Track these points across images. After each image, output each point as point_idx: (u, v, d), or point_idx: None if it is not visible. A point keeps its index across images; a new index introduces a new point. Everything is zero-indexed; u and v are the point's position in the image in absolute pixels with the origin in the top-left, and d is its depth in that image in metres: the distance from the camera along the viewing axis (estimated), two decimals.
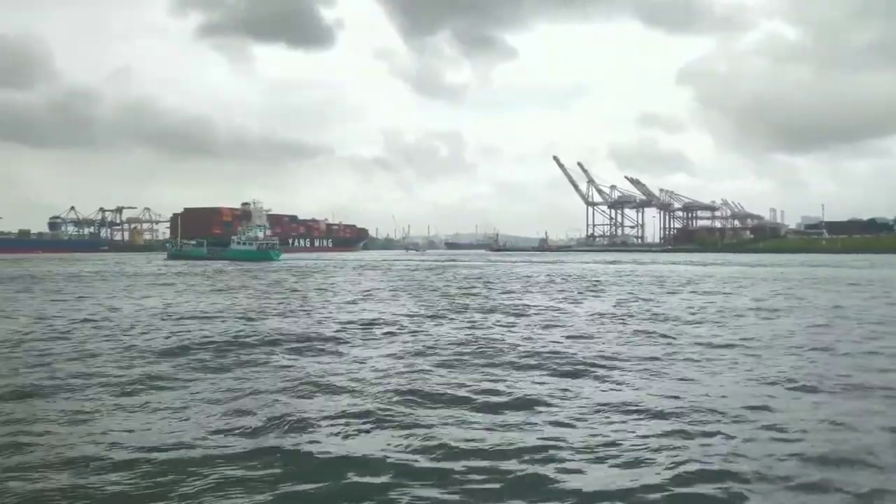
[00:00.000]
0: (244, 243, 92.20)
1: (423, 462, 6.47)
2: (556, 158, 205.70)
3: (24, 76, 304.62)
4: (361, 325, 17.14)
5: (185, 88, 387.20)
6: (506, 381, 9.95)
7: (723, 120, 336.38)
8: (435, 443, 6.98)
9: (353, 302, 25.01)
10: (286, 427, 7.55)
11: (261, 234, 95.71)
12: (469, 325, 17.35)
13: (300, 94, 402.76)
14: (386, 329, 16.33)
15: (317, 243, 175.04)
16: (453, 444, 6.92)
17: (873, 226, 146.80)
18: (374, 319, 18.43)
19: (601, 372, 10.72)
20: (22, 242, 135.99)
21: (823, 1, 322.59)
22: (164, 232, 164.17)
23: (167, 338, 14.66)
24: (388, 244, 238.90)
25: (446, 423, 7.72)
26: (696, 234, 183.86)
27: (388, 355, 12.36)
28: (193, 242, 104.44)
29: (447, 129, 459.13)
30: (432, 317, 19.33)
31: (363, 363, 11.57)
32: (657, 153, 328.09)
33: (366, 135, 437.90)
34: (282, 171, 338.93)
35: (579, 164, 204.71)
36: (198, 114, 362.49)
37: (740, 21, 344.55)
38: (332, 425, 7.64)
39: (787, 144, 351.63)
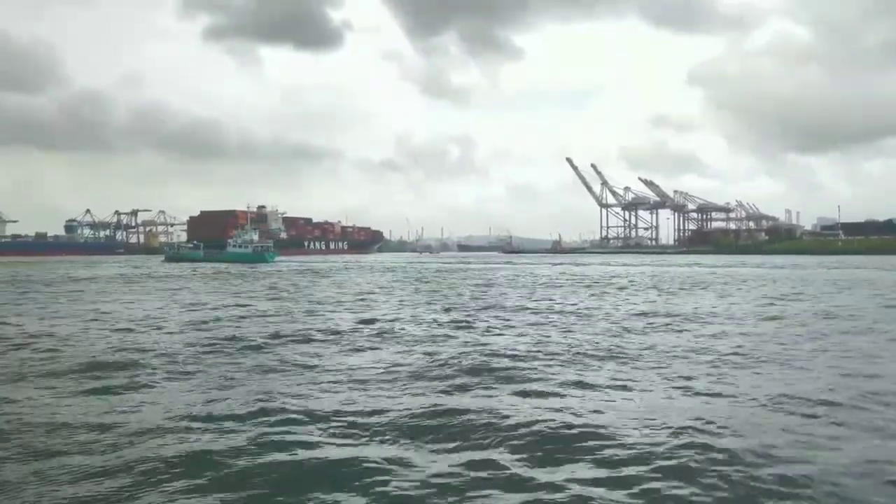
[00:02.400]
0: (240, 246, 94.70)
1: None
2: (569, 160, 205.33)
3: (35, 80, 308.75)
4: None
5: (194, 91, 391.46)
6: None
7: (735, 120, 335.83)
8: None
9: None
10: None
11: (256, 237, 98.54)
12: None
13: (309, 97, 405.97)
14: None
15: (332, 245, 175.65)
16: None
17: (890, 227, 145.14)
18: None
19: None
20: (39, 245, 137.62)
21: (831, 1, 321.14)
22: (178, 234, 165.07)
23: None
24: (401, 246, 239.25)
25: None
26: (710, 235, 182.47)
27: None
28: (190, 245, 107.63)
29: (456, 131, 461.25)
30: None
31: None
32: (668, 154, 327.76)
33: (374, 137, 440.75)
34: (291, 173, 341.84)
35: (593, 165, 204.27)
36: (207, 116, 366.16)
37: (748, 21, 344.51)
38: None
39: (800, 145, 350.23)
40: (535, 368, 11.14)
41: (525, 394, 9.30)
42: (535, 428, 7.52)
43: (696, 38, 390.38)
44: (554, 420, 7.85)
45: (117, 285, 38.13)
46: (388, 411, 8.33)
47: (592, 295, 29.23)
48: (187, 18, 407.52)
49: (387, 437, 7.40)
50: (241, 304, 24.98)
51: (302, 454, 6.79)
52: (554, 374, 10.73)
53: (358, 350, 13.51)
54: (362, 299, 27.11)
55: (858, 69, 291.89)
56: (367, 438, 7.38)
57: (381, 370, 11.14)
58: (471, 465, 6.49)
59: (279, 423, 7.86)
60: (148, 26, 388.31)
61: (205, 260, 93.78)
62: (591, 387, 9.76)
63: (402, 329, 16.67)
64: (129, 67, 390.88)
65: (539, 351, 12.99)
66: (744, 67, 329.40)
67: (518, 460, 6.63)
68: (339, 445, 7.10)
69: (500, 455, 6.76)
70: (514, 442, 7.13)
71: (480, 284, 37.99)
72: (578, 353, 12.82)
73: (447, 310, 21.91)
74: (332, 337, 15.33)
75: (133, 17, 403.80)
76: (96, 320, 19.07)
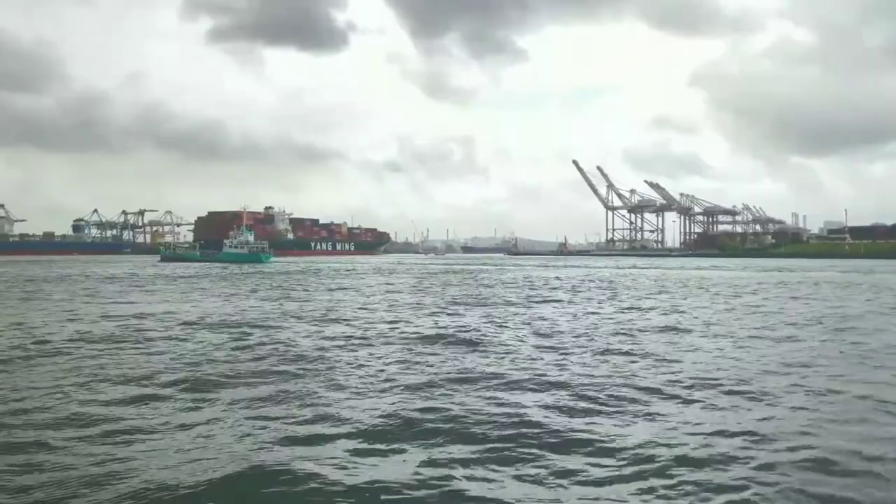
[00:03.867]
0: (236, 247, 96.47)
1: None
2: (575, 163, 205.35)
3: (38, 81, 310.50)
4: None
5: (196, 92, 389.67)
6: None
7: (736, 122, 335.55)
8: None
9: None
10: None
11: (251, 238, 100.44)
12: None
13: (312, 98, 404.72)
14: None
15: (338, 247, 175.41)
16: None
17: None
18: None
19: None
20: (46, 245, 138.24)
21: (832, 3, 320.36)
22: (185, 235, 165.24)
23: None
24: (406, 248, 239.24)
25: None
26: (717, 238, 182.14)
27: None
28: (186, 245, 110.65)
29: (458, 132, 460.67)
30: None
31: None
32: (671, 156, 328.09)
33: (377, 138, 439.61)
34: (294, 174, 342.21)
35: (599, 168, 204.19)
36: (210, 117, 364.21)
37: (749, 23, 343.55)
38: None
39: (802, 147, 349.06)
40: None
41: None
42: None
43: (697, 40, 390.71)
44: None
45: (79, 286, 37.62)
46: None
47: None
48: (189, 19, 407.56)
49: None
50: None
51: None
52: None
53: None
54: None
55: (860, 71, 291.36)
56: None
57: None
58: None
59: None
60: (150, 27, 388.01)
61: (201, 260, 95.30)
62: None
63: None
64: (132, 67, 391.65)
65: None
66: (745, 69, 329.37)
67: None
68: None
69: None
70: None
71: None
72: None
73: None
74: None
75: (135, 18, 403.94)
76: None
